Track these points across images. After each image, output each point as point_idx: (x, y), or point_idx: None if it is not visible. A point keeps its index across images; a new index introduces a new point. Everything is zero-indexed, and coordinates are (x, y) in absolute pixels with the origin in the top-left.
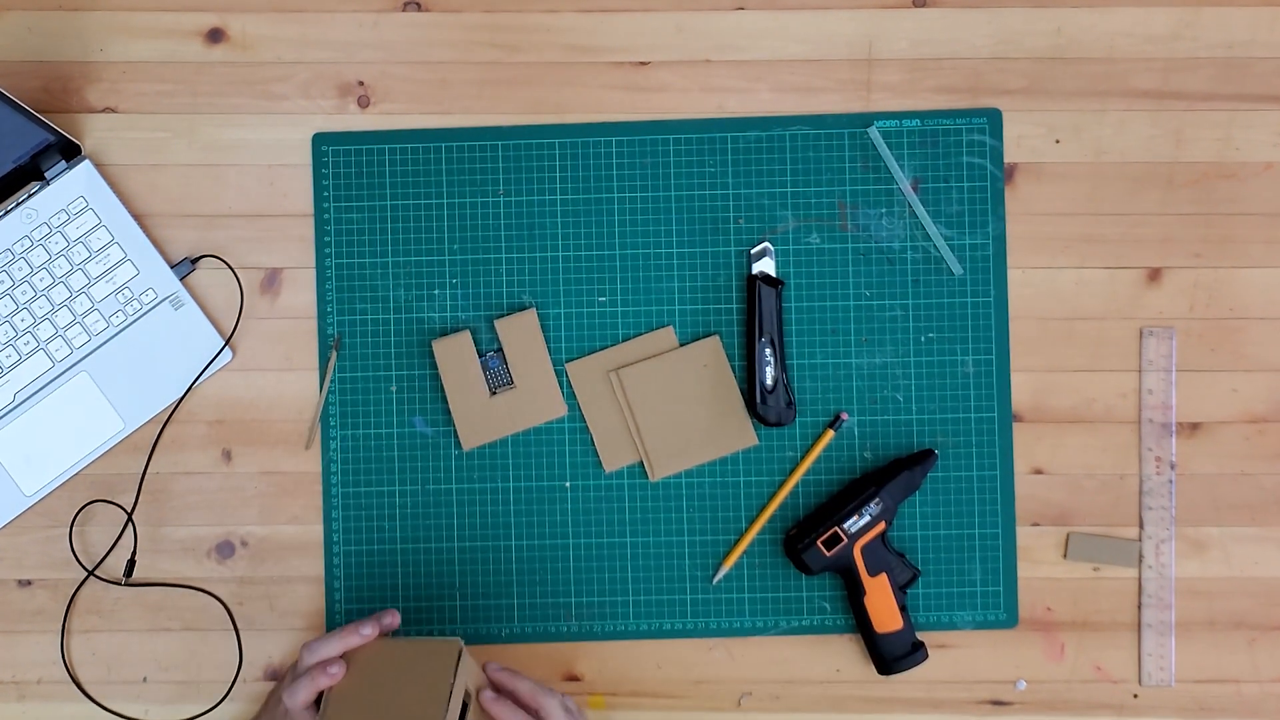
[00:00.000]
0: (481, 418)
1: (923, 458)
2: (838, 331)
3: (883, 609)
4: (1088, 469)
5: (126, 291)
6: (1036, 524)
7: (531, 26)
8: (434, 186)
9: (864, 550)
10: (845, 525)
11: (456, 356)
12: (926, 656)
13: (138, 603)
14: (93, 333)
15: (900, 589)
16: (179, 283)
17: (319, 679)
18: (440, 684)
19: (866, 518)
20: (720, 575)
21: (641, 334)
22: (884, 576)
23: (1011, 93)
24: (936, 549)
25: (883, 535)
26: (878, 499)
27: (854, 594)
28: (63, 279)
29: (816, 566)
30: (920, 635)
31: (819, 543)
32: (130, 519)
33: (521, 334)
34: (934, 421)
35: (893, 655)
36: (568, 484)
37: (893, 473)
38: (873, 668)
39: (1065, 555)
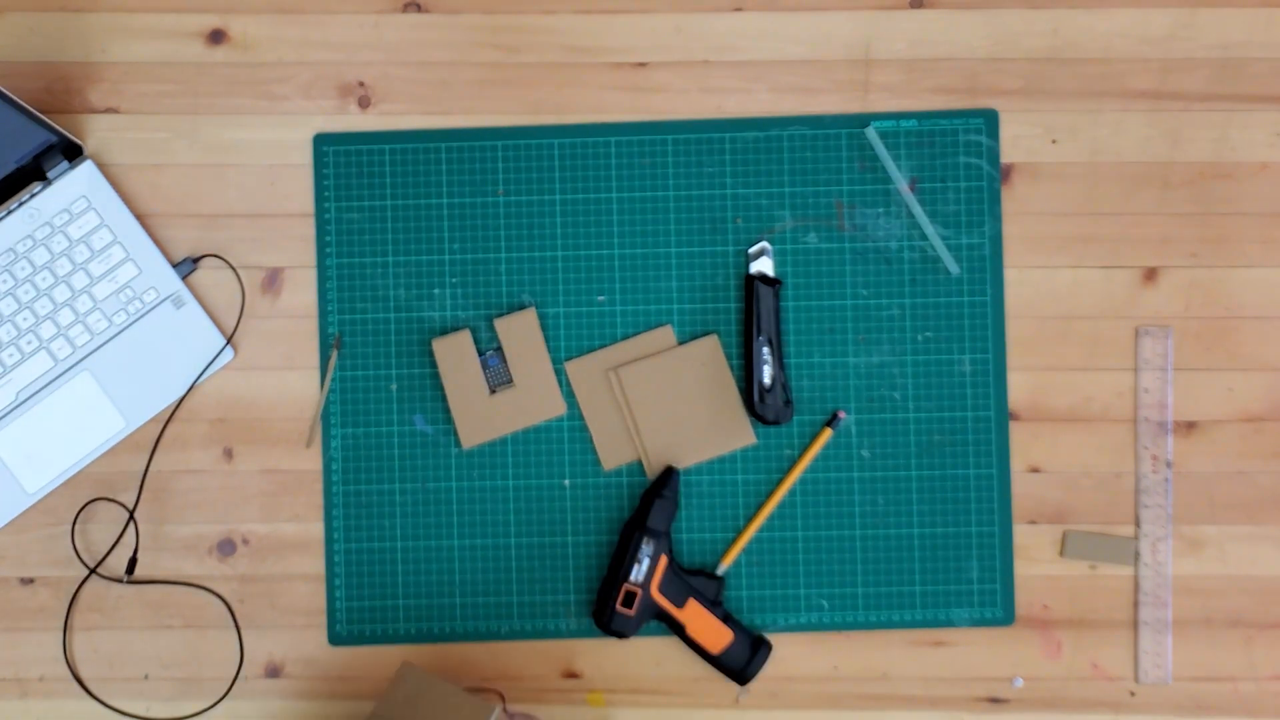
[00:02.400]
0: (481, 416)
1: (665, 478)
2: (835, 331)
3: (708, 630)
4: (1084, 467)
5: (128, 291)
6: (1033, 522)
7: (531, 27)
8: (434, 186)
9: (661, 589)
10: (632, 578)
11: (456, 355)
12: (770, 648)
13: (139, 600)
14: (95, 332)
15: (713, 603)
16: (180, 282)
17: None
18: None
19: (645, 561)
20: (719, 573)
21: (640, 333)
22: (692, 601)
23: (1008, 93)
24: (933, 547)
25: (670, 565)
26: (645, 538)
27: (677, 631)
28: (65, 278)
29: (631, 629)
30: (918, 632)
31: (618, 606)
32: (132, 517)
33: (521, 333)
34: (931, 420)
35: (740, 666)
36: (566, 482)
37: (645, 507)
38: (870, 666)
39: (1062, 553)
